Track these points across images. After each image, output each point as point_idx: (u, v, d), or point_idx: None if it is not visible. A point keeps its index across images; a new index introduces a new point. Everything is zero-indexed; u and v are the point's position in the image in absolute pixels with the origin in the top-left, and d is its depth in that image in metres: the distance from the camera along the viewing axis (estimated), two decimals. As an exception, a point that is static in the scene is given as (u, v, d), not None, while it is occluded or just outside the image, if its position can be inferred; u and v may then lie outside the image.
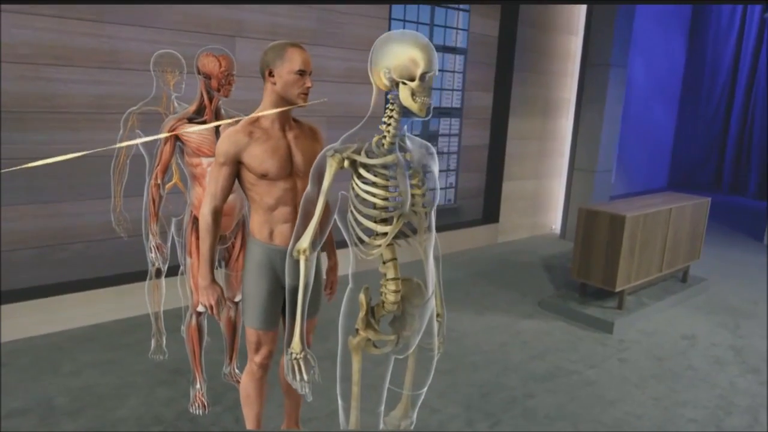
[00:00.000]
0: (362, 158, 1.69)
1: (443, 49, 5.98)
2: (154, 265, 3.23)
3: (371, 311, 1.80)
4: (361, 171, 1.70)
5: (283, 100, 2.11)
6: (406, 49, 1.63)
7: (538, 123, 6.94)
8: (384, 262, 1.76)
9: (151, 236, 2.97)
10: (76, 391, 3.16)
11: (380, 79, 1.67)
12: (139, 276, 3.47)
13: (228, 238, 2.95)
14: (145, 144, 3.26)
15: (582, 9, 6.75)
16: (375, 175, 1.69)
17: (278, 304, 2.23)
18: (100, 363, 3.48)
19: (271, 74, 2.08)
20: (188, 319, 2.99)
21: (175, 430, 2.84)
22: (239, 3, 4.47)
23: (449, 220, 6.47)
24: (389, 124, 1.70)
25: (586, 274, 4.50)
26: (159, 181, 2.88)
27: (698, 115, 11.16)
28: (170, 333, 3.59)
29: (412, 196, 1.73)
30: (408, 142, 1.77)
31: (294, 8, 4.79)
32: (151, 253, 3.02)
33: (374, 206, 1.70)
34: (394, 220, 1.70)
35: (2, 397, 3.05)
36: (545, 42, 6.72)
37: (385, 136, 1.70)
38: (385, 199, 1.69)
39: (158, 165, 2.85)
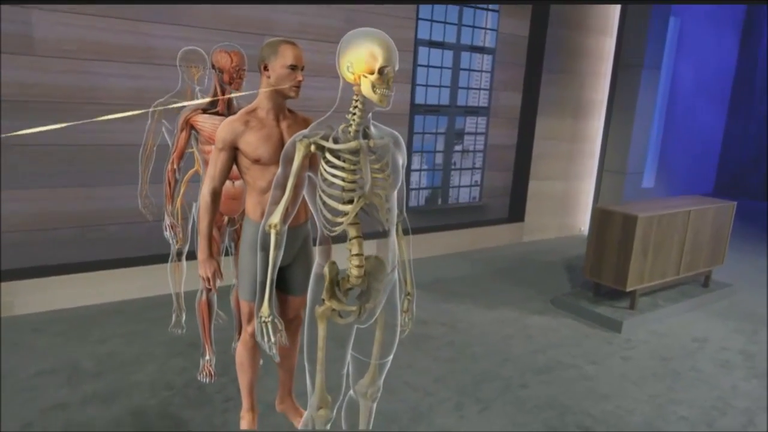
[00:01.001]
0: (329, 144, 1.86)
1: (471, 48, 6.08)
2: (175, 245, 3.50)
3: (337, 284, 1.96)
4: (328, 155, 1.87)
5: (276, 92, 2.29)
6: (367, 45, 1.78)
7: (568, 124, 6.92)
8: (350, 239, 1.92)
9: (166, 216, 3.24)
10: (101, 356, 3.47)
11: (345, 73, 1.82)
12: (165, 258, 3.75)
13: (236, 221, 3.17)
14: (169, 133, 3.54)
15: (616, 10, 6.70)
16: (340, 160, 1.85)
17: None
18: (125, 334, 3.79)
19: (266, 68, 2.27)
20: (199, 295, 3.24)
21: (183, 396, 3.08)
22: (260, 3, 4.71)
23: (474, 217, 6.55)
24: (354, 114, 1.85)
25: (598, 274, 4.52)
26: (175, 166, 3.14)
27: (749, 118, 10.76)
28: (190, 311, 3.85)
29: (374, 179, 1.88)
30: (373, 130, 1.92)
31: (322, 8, 5.01)
32: (166, 231, 3.28)
33: (339, 188, 1.86)
34: (355, 200, 1.85)
35: (34, 359, 3.39)
36: (577, 43, 6.70)
37: (350, 124, 1.86)
38: (349, 181, 1.85)
39: (174, 151, 3.10)
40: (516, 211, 6.81)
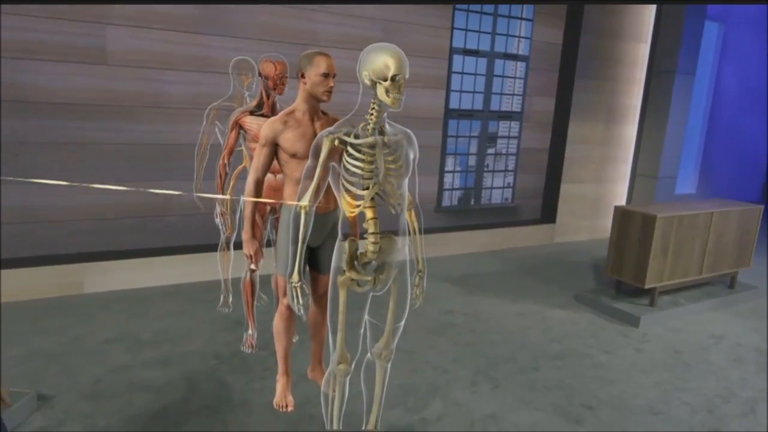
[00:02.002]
0: (350, 139, 2.22)
1: (504, 56, 6.35)
2: (224, 233, 3.94)
3: (356, 257, 2.31)
4: (349, 149, 2.22)
5: (311, 96, 2.67)
6: (381, 58, 2.13)
7: (601, 128, 7.08)
8: (367, 220, 2.27)
9: (217, 205, 3.68)
10: (158, 330, 3.95)
11: (364, 80, 2.17)
12: (215, 247, 4.17)
13: (277, 210, 3.57)
14: (221, 133, 3.99)
15: (651, 16, 6.83)
16: (359, 153, 2.21)
17: (303, 256, 2.80)
18: (179, 312, 4.26)
19: (303, 76, 2.65)
20: (244, 275, 3.66)
21: (228, 364, 3.50)
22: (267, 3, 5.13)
23: (506, 218, 6.80)
24: (372, 114, 2.20)
25: (618, 271, 4.71)
26: (225, 161, 3.57)
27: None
28: (236, 293, 4.29)
29: (387, 169, 2.23)
30: (388, 128, 2.27)
31: (361, 20, 5.40)
32: (217, 218, 3.73)
33: (358, 176, 2.21)
34: (370, 186, 2.20)
35: (102, 330, 3.89)
36: (611, 49, 6.87)
37: (369, 123, 2.21)
38: (367, 170, 2.20)
39: (225, 148, 3.54)
40: (548, 213, 7.02)
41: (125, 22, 4.44)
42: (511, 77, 6.48)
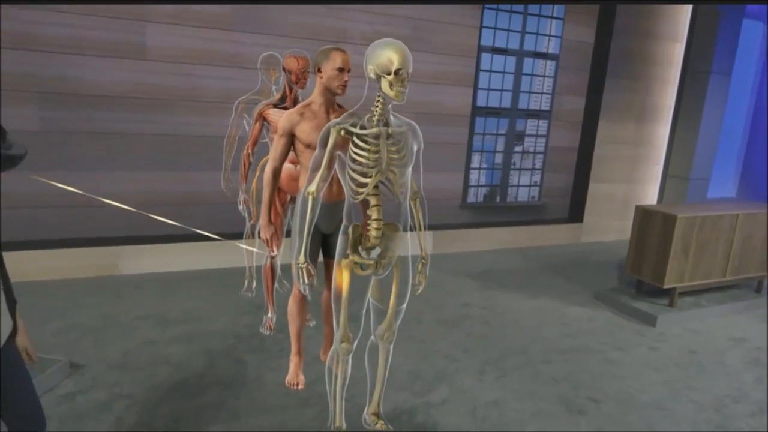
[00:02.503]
0: (356, 130, 2.34)
1: (534, 54, 6.37)
2: (249, 221, 4.14)
3: (359, 241, 2.44)
4: (355, 139, 2.35)
5: (327, 89, 2.81)
6: (386, 53, 2.24)
7: (632, 128, 7.01)
8: (371, 207, 2.39)
9: (241, 193, 3.88)
10: (184, 310, 4.17)
11: (369, 74, 2.29)
12: (241, 235, 4.38)
13: (296, 199, 3.73)
14: (249, 126, 4.19)
15: (686, 16, 6.72)
16: (364, 143, 2.33)
17: (317, 242, 2.96)
18: (205, 294, 4.49)
19: (319, 70, 2.79)
20: (265, 261, 3.84)
21: (246, 344, 3.69)
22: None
23: (533, 216, 6.82)
24: (377, 107, 2.32)
25: (638, 270, 4.70)
26: (250, 152, 3.76)
27: None
28: (259, 279, 4.47)
29: (390, 159, 2.35)
30: (393, 120, 2.39)
31: (391, 17, 5.53)
32: (240, 206, 3.92)
33: (362, 165, 2.34)
34: (374, 175, 2.32)
35: (133, 307, 4.15)
36: (645, 49, 6.79)
37: (374, 115, 2.34)
38: (371, 160, 2.33)
39: (250, 139, 3.72)
40: (575, 212, 7.00)
41: (164, 20, 4.70)
42: (540, 76, 6.49)
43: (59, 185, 3.03)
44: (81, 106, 4.59)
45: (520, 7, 6.15)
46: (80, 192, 3.02)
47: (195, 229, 4.79)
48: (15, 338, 1.90)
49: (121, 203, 4.82)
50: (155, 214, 4.95)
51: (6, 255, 1.83)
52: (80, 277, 4.71)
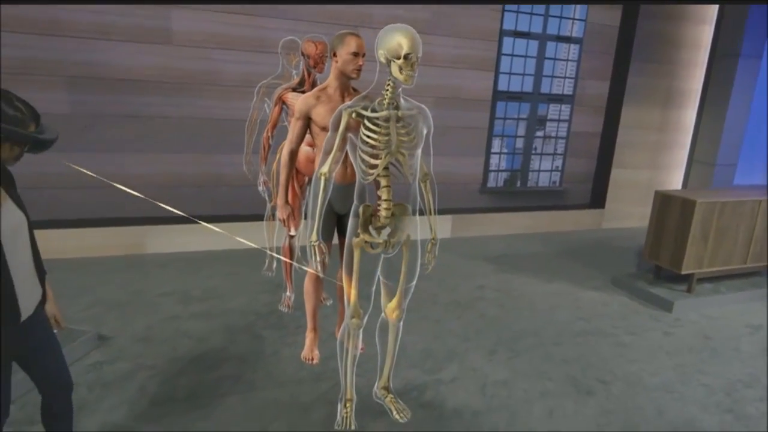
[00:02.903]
0: (366, 113, 2.41)
1: (557, 38, 6.32)
2: (269, 203, 4.25)
3: (370, 220, 2.52)
4: (366, 122, 2.42)
5: (342, 73, 2.88)
6: (395, 38, 2.30)
7: (657, 113, 6.91)
8: (381, 188, 2.46)
9: (261, 174, 3.99)
10: (206, 287, 4.33)
11: (380, 59, 2.35)
12: (262, 216, 4.50)
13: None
14: (270, 108, 4.28)
15: (716, -2, 6.57)
16: (374, 125, 2.40)
17: (331, 222, 3.05)
18: (226, 273, 4.64)
19: (335, 55, 2.86)
20: (284, 241, 3.95)
21: (265, 320, 3.82)
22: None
23: (554, 201, 6.80)
24: (387, 90, 2.38)
25: (656, 256, 4.68)
26: (269, 134, 3.86)
27: None
28: (281, 260, 4.61)
29: (400, 141, 2.41)
30: (403, 103, 2.44)
31: (413, 1, 5.53)
32: (260, 187, 4.03)
33: (372, 147, 2.41)
34: (383, 155, 2.39)
35: (158, 285, 4.31)
36: (672, 31, 6.66)
37: (384, 98, 2.40)
38: (381, 142, 2.39)
39: (269, 122, 3.82)
40: (597, 198, 6.96)
41: (189, 5, 4.80)
42: (564, 60, 6.43)
43: (78, 168, 3.17)
44: (109, 90, 4.74)
45: (543, -10, 6.10)
46: (94, 176, 3.16)
47: (208, 225, 4.93)
48: (44, 306, 2.04)
49: (146, 184, 4.98)
50: (180, 195, 5.11)
51: (38, 233, 1.95)
52: (108, 255, 4.90)
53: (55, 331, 2.10)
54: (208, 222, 5.18)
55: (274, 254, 4.05)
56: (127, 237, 5.00)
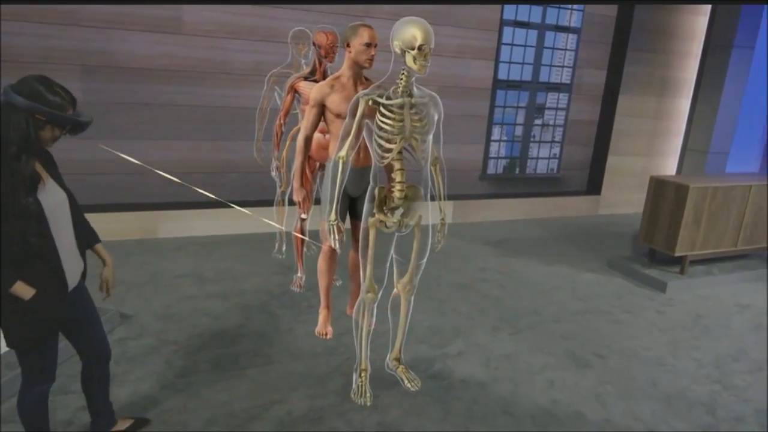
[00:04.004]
0: (382, 100, 2.58)
1: (555, 28, 6.47)
2: (279, 188, 4.41)
3: (384, 202, 2.70)
4: (381, 109, 2.58)
5: (355, 63, 3.03)
6: (410, 29, 2.46)
7: (653, 102, 7.09)
8: (395, 171, 2.64)
9: (273, 159, 4.15)
10: (220, 270, 4.50)
11: (395, 49, 2.51)
12: (272, 201, 4.65)
13: (325, 166, 3.99)
14: (280, 98, 4.43)
15: (711, -11, 6.72)
16: (389, 112, 2.57)
17: (345, 205, 3.22)
18: (239, 256, 4.81)
19: (348, 45, 3.01)
20: (295, 223, 4.12)
21: (278, 300, 4.00)
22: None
23: (551, 188, 6.99)
24: (401, 79, 2.55)
25: (651, 239, 4.88)
26: (281, 122, 4.01)
27: None
28: (289, 243, 4.77)
29: (413, 127, 2.58)
30: (416, 91, 2.61)
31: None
32: (273, 172, 4.19)
33: (387, 132, 2.58)
34: (398, 141, 2.56)
35: (174, 267, 4.49)
36: (667, 22, 6.82)
37: (399, 87, 2.56)
38: (395, 127, 2.56)
39: (281, 110, 3.97)
40: (594, 185, 7.15)
41: (199, -4, 4.94)
42: (562, 49, 6.59)
43: (122, 155, 3.33)
44: (121, 79, 4.88)
45: (542, -19, 6.24)
46: (139, 163, 3.32)
47: (225, 201, 5.09)
48: (102, 272, 2.21)
49: (159, 170, 5.13)
50: (193, 181, 5.25)
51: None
52: (124, 239, 5.07)
53: (104, 298, 2.27)
54: (220, 207, 5.38)
55: (294, 233, 4.19)
56: (141, 221, 5.16)
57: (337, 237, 2.76)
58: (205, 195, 3.88)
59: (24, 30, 4.49)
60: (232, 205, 3.59)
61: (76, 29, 4.65)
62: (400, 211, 2.75)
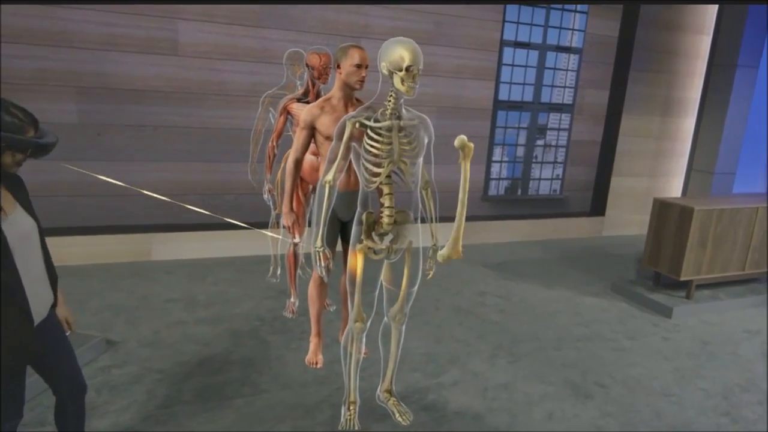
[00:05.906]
0: (369, 123, 2.49)
1: (557, 48, 6.41)
2: (273, 211, 4.33)
3: (372, 228, 2.60)
4: (369, 131, 2.50)
5: (346, 84, 2.96)
6: (398, 50, 2.38)
7: (656, 122, 7.00)
8: (383, 195, 2.54)
9: (265, 182, 4.07)
10: (212, 293, 4.40)
11: (383, 71, 2.44)
12: (266, 224, 4.57)
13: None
14: (275, 118, 4.37)
15: (713, 8, 6.66)
16: (377, 135, 2.48)
17: (335, 229, 3.12)
18: (232, 279, 4.71)
19: (339, 67, 2.95)
20: (288, 248, 4.03)
21: (270, 326, 3.89)
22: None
23: (554, 209, 6.88)
24: (389, 101, 2.47)
25: (655, 262, 4.74)
26: (274, 144, 3.94)
27: None
28: (283, 266, 4.67)
29: (402, 150, 2.49)
30: (405, 113, 2.52)
31: (413, 12, 5.65)
32: (265, 195, 4.11)
33: (375, 155, 2.49)
34: (386, 164, 2.47)
35: (165, 291, 4.39)
36: (670, 41, 6.76)
37: (387, 109, 2.48)
38: (383, 150, 2.47)
39: (274, 132, 3.91)
40: (597, 206, 7.03)
41: (195, 17, 4.91)
42: (563, 69, 6.53)
43: (89, 173, 3.27)
44: (116, 100, 4.84)
45: (542, 1, 6.20)
46: (109, 180, 3.25)
47: (224, 218, 5.01)
48: (56, 310, 2.10)
49: (153, 192, 5.07)
50: (185, 203, 5.20)
51: (48, 240, 2.02)
52: (116, 262, 4.98)
53: (67, 333, 2.17)
54: (213, 229, 5.31)
55: (287, 256, 4.08)
56: (134, 244, 5.08)
57: (323, 264, 2.65)
58: (202, 212, 3.80)
59: (18, 52, 4.47)
60: (230, 221, 3.49)
61: (71, 51, 4.62)
62: (390, 237, 2.65)
